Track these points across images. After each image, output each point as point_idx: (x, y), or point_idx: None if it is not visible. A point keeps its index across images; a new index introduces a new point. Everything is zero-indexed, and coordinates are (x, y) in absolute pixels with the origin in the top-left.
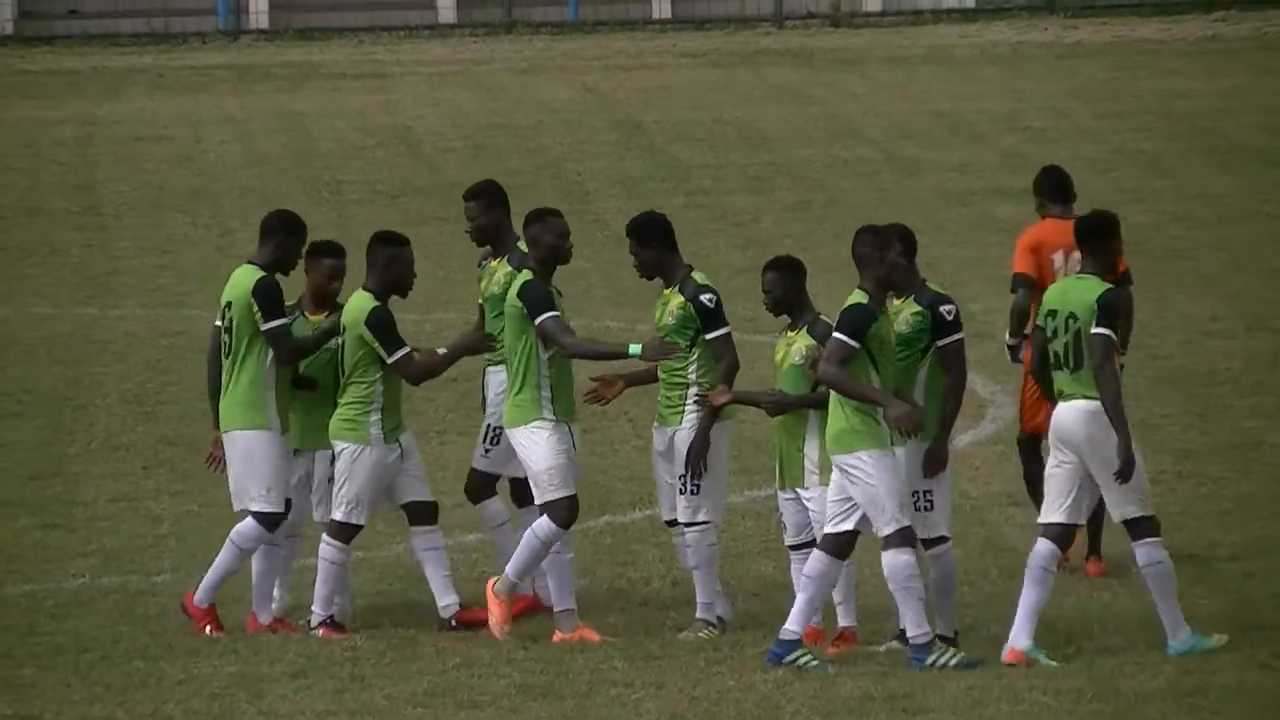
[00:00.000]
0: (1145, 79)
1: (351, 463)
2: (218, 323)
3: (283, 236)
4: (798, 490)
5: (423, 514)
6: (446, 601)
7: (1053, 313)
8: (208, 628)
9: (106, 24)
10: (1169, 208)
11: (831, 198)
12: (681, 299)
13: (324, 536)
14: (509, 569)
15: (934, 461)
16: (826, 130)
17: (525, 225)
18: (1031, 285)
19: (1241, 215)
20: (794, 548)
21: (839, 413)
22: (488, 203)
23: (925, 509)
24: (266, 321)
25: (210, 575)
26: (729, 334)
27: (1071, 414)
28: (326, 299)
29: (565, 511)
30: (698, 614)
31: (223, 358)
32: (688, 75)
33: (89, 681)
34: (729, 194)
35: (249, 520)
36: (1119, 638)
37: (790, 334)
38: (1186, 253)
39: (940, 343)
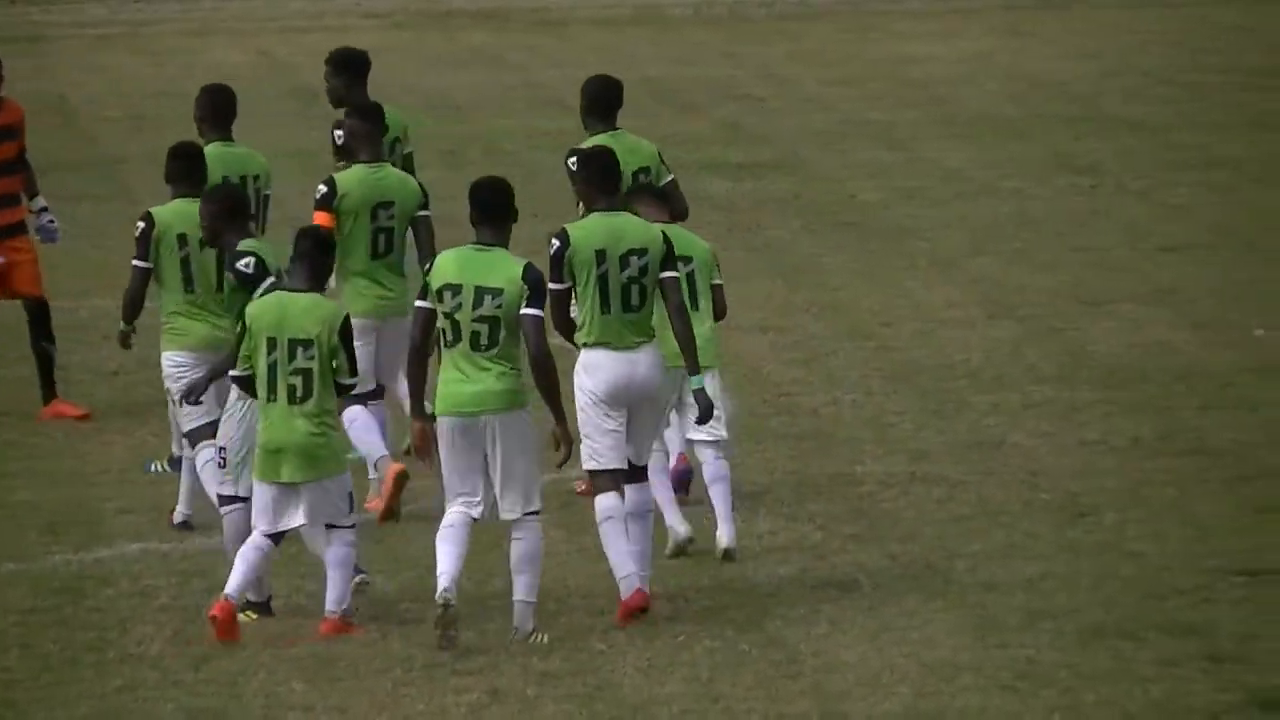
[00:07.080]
0: (876, 42)
1: None
2: None
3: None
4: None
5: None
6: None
7: None
8: None
9: None
10: (900, 183)
11: (531, 173)
12: None
13: None
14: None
15: None
16: (525, 99)
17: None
18: None
19: (981, 191)
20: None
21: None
22: None
23: None
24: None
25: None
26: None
27: None
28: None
29: None
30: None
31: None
32: (372, 38)
33: None
34: (418, 169)
35: None
36: (849, 654)
37: None
38: (920, 233)
39: None
